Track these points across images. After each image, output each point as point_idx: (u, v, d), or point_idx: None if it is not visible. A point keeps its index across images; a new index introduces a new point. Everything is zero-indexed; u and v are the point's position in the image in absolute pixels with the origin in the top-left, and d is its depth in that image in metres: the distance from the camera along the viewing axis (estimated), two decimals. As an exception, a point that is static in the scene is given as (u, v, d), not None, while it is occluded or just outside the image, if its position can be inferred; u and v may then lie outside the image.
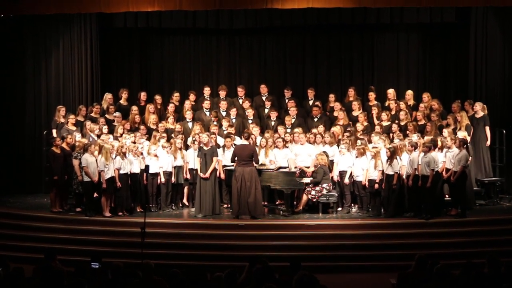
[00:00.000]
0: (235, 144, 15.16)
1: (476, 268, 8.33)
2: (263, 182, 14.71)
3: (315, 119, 16.40)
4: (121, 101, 16.90)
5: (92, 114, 16.29)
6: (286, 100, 17.12)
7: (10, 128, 17.80)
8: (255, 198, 14.12)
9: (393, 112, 16.25)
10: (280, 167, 14.82)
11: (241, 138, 15.18)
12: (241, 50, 18.71)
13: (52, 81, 17.81)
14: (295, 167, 14.81)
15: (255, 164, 14.28)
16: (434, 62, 18.21)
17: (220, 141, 15.40)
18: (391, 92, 16.82)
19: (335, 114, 16.47)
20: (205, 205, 14.39)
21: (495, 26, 17.04)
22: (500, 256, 8.99)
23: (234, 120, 16.34)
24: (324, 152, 14.81)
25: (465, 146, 14.05)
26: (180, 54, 18.80)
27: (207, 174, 14.37)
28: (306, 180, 14.62)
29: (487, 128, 15.69)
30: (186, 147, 15.43)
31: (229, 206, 15.18)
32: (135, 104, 16.73)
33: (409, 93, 16.88)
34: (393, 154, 14.04)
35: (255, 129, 15.71)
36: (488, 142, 15.74)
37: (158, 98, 16.93)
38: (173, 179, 15.07)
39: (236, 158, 14.25)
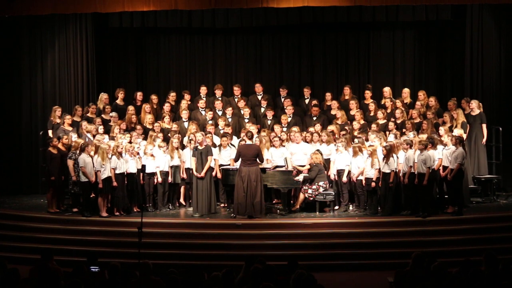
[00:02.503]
0: (231, 144, 15.17)
1: (473, 266, 8.34)
2: (260, 181, 14.75)
3: (314, 118, 16.39)
4: (117, 101, 16.89)
5: (88, 114, 16.27)
6: (282, 99, 17.11)
7: (6, 129, 17.75)
8: (260, 198, 14.13)
9: (388, 110, 16.27)
10: (277, 166, 14.81)
11: (237, 138, 15.18)
12: (237, 49, 18.68)
13: (48, 81, 17.77)
14: (293, 167, 14.80)
15: (260, 163, 14.28)
16: (430, 60, 18.21)
17: (217, 140, 15.39)
18: (387, 90, 16.84)
19: (333, 112, 16.48)
20: (201, 205, 14.38)
21: (490, 23, 17.05)
22: (498, 254, 9.01)
23: (230, 120, 16.33)
24: (318, 150, 14.80)
25: (461, 143, 14.06)
26: (176, 53, 18.77)
27: (202, 173, 14.35)
28: (300, 177, 14.61)
29: (484, 126, 15.69)
30: (183, 146, 15.42)
31: (226, 205, 15.19)
32: (131, 104, 16.71)
33: (406, 91, 16.88)
34: (389, 152, 14.04)
35: (251, 128, 15.70)
36: (484, 140, 15.73)
37: (154, 98, 16.94)
38: (170, 179, 15.06)
39: (240, 158, 14.24)
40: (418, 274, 8.55)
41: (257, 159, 14.14)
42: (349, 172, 14.67)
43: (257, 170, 14.11)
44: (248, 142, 14.40)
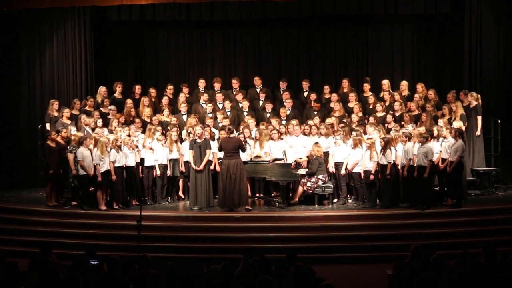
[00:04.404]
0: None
1: (472, 258, 8.35)
2: (258, 174, 14.74)
3: (315, 112, 16.38)
4: (116, 94, 16.87)
5: (87, 108, 16.25)
6: (281, 92, 17.10)
7: (5, 123, 17.75)
8: (239, 190, 14.10)
9: (387, 103, 16.27)
10: (276, 159, 14.82)
11: (236, 131, 15.22)
12: (236, 42, 18.67)
13: (46, 75, 17.76)
14: (294, 161, 14.79)
15: (242, 153, 14.27)
16: (428, 53, 18.20)
17: (216, 133, 15.38)
18: (385, 83, 16.84)
19: (332, 105, 16.47)
20: (200, 198, 14.39)
21: (489, 16, 17.04)
22: (496, 246, 9.03)
23: (229, 113, 16.32)
24: (317, 143, 14.79)
25: (461, 136, 14.06)
26: (174, 47, 18.76)
27: (201, 167, 14.35)
28: (301, 171, 14.63)
29: (478, 118, 15.67)
30: (181, 140, 15.41)
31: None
32: (129, 97, 16.70)
33: (404, 83, 16.88)
34: (386, 144, 14.03)
35: (250, 121, 15.71)
36: (478, 132, 15.70)
37: (152, 91, 16.92)
38: (168, 172, 15.06)
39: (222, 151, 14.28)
40: (416, 266, 8.57)
41: (239, 151, 14.15)
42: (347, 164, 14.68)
43: (237, 163, 14.10)
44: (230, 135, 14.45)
